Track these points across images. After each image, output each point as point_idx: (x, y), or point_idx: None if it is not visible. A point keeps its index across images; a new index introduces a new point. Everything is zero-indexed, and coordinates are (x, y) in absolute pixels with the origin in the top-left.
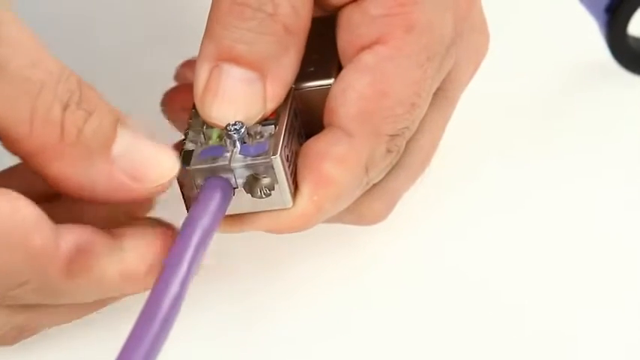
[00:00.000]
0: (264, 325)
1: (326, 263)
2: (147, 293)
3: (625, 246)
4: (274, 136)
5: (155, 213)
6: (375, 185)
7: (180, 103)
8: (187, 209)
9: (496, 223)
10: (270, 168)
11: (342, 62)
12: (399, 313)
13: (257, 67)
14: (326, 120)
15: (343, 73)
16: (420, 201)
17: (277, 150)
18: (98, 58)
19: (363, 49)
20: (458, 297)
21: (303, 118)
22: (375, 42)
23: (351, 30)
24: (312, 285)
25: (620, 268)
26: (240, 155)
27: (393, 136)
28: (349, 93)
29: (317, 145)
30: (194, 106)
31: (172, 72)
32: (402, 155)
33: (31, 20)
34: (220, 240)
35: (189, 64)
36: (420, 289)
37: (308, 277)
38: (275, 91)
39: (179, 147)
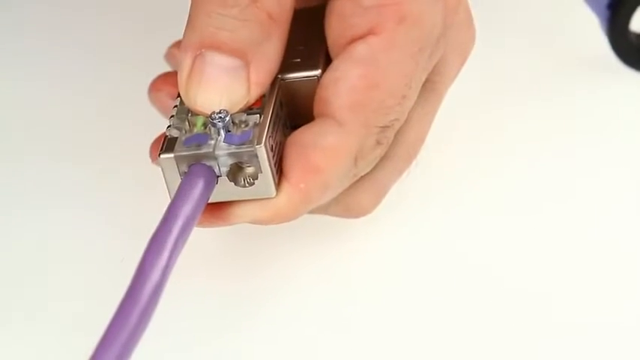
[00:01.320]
0: (244, 319)
1: (309, 257)
2: None
3: (626, 242)
4: (259, 125)
5: (138, 200)
6: (362, 177)
7: (167, 90)
8: (170, 196)
9: (484, 217)
10: (254, 157)
11: (332, 53)
12: (382, 307)
13: (240, 54)
14: (316, 110)
15: (335, 63)
16: (405, 195)
17: (262, 139)
18: (93, 48)
19: (354, 39)
20: (442, 291)
21: (289, 109)
22: (368, 33)
23: (342, 20)
24: (295, 278)
25: (621, 263)
26: (224, 143)
27: (383, 128)
28: (341, 84)
29: (306, 134)
30: (179, 94)
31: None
32: (390, 147)
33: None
34: (202, 231)
35: (179, 45)
36: (403, 283)
37: (291, 270)
38: (259, 78)
39: (164, 134)
